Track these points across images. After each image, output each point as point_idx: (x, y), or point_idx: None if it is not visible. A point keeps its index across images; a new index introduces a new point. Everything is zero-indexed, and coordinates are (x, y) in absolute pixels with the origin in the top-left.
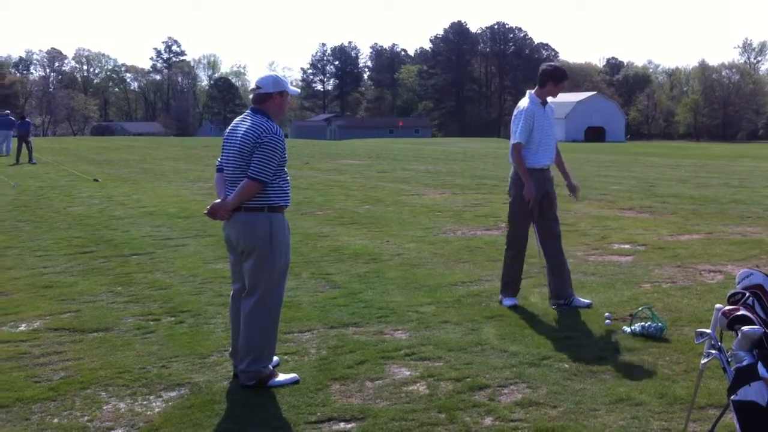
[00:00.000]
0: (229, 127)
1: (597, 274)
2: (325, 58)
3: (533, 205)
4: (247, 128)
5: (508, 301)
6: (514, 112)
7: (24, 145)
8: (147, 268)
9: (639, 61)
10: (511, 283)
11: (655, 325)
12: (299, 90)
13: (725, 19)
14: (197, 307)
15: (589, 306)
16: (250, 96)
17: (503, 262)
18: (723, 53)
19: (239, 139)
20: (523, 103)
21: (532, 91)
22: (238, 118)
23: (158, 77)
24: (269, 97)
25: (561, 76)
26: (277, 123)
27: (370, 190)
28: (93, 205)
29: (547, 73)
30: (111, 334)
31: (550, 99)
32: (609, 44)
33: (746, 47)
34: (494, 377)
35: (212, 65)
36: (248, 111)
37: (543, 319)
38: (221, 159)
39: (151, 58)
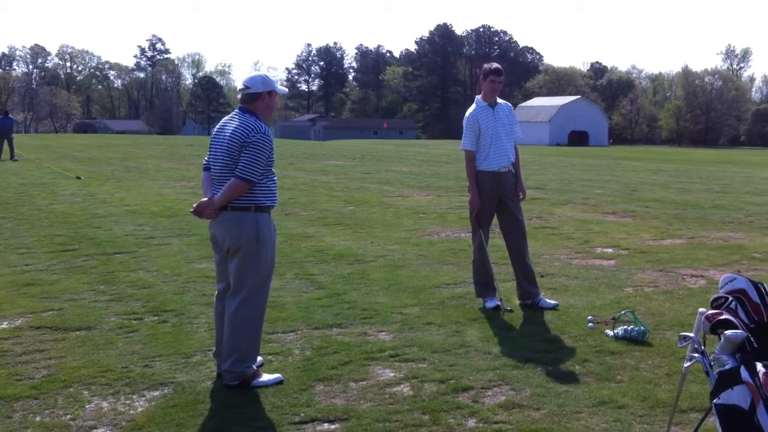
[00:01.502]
0: (217, 127)
1: (580, 277)
2: (310, 58)
3: (478, 212)
4: (235, 127)
5: (490, 303)
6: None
7: (6, 141)
8: (130, 267)
9: (623, 66)
10: (483, 284)
11: (637, 328)
12: (287, 89)
13: (708, 26)
14: (180, 306)
15: (555, 307)
16: (238, 96)
17: (472, 264)
18: (706, 59)
19: (227, 138)
20: (469, 109)
21: (479, 96)
22: (226, 118)
23: (142, 75)
24: (258, 97)
25: (485, 73)
26: (265, 123)
27: (354, 191)
28: (75, 203)
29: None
30: (93, 332)
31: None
32: (593, 49)
33: (729, 54)
34: (478, 379)
35: (196, 64)
36: (236, 110)
37: (526, 322)
38: (208, 158)
39: (135, 56)
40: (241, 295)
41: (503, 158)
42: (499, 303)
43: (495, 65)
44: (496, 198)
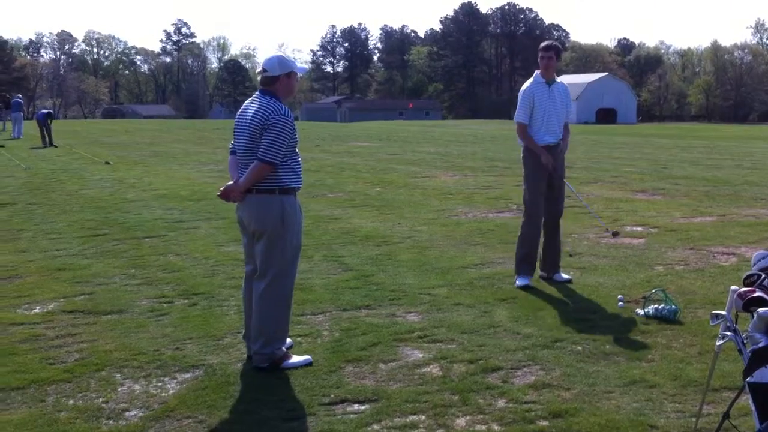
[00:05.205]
0: (240, 109)
1: (609, 256)
2: (334, 39)
3: (551, 168)
4: (255, 110)
5: (520, 281)
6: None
7: (44, 129)
8: (160, 251)
9: (651, 42)
10: (527, 260)
11: (668, 307)
12: (307, 67)
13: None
14: (210, 289)
15: (569, 281)
16: (258, 78)
17: (518, 239)
18: (735, 34)
19: (248, 121)
20: (526, 83)
21: (538, 71)
22: (248, 101)
23: (168, 60)
24: (276, 80)
25: (539, 49)
26: (286, 104)
27: (381, 173)
28: (105, 188)
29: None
30: (125, 316)
31: (567, 80)
32: (620, 25)
33: (759, 27)
34: (507, 359)
35: (222, 47)
36: (257, 93)
37: (556, 302)
38: (233, 142)
39: (161, 41)
40: (268, 277)
41: (551, 136)
42: (530, 283)
43: (546, 42)
44: (546, 171)
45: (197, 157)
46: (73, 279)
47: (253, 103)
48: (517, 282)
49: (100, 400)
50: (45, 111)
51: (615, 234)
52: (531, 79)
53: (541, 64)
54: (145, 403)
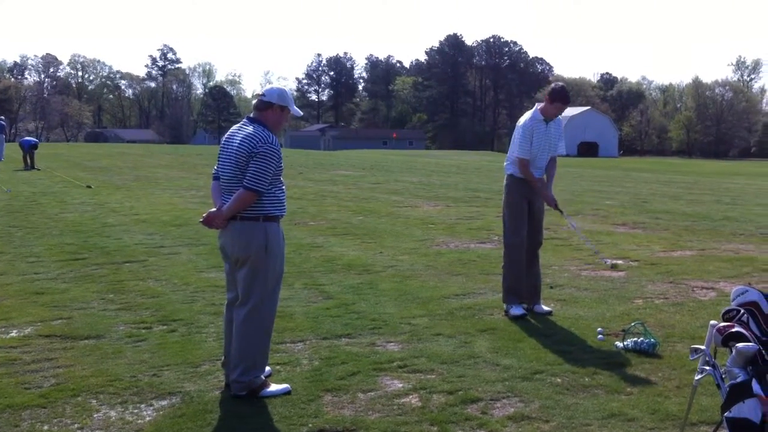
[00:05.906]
0: (226, 135)
1: (589, 289)
2: (320, 68)
3: (554, 206)
4: (243, 138)
5: (516, 310)
6: (517, 125)
7: (27, 155)
8: (139, 276)
9: (633, 77)
10: (511, 290)
11: (647, 340)
12: (302, 113)
13: (719, 37)
14: (189, 315)
15: (549, 313)
16: (254, 101)
17: (503, 269)
18: (716, 70)
19: (235, 148)
20: (525, 117)
21: (540, 107)
22: (235, 127)
23: (153, 84)
24: (269, 107)
25: (553, 96)
26: (274, 134)
27: (363, 201)
28: (86, 212)
29: (548, 90)
30: (102, 341)
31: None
32: (603, 59)
33: (740, 65)
34: (487, 391)
35: (207, 73)
36: (245, 120)
37: (536, 333)
38: (218, 167)
39: (146, 66)
40: (249, 304)
41: (537, 171)
42: (525, 311)
43: (564, 91)
44: (526, 201)
45: (179, 182)
46: (50, 303)
47: (240, 129)
48: (512, 311)
49: (75, 426)
50: (32, 141)
51: (614, 266)
52: (530, 115)
53: (554, 113)
54: (121, 430)
